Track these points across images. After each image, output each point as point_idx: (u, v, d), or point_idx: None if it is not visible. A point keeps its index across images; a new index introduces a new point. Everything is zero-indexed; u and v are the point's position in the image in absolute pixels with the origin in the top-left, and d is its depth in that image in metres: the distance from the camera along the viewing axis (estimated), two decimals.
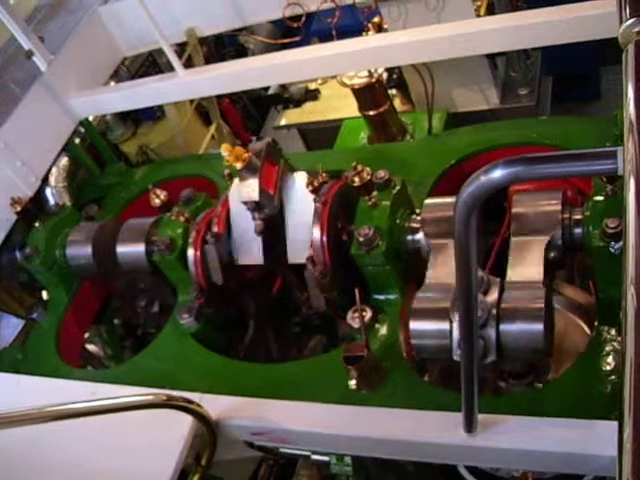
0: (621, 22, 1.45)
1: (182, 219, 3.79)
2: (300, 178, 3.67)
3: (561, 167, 1.53)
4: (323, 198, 3.45)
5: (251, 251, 3.76)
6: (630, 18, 1.42)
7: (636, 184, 1.24)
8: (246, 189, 3.52)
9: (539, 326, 2.72)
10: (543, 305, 2.75)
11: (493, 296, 2.80)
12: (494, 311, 2.75)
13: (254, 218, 3.58)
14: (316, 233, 3.42)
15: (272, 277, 3.99)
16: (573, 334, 3.25)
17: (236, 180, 3.67)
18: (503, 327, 2.75)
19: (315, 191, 3.48)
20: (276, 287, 4.03)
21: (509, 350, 2.78)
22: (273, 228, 3.65)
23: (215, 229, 3.69)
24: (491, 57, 5.06)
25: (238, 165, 3.43)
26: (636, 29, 1.41)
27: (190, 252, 3.72)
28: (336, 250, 3.44)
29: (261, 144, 3.61)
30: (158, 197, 4.08)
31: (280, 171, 3.65)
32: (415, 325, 2.99)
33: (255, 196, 3.49)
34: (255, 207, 3.55)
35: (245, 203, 3.56)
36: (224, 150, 3.43)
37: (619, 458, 1.06)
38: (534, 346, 2.76)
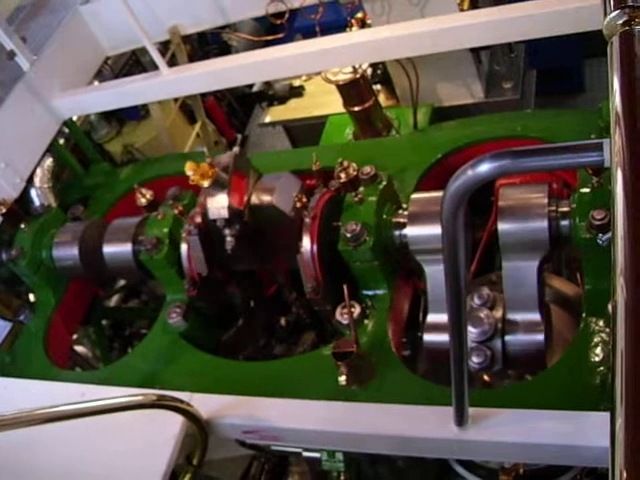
0: (605, 14, 1.46)
1: (176, 211, 3.76)
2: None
3: (548, 160, 1.54)
4: (312, 213, 3.42)
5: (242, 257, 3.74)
6: (614, 10, 1.43)
7: (623, 176, 1.24)
8: (215, 206, 3.45)
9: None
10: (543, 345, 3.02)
11: (498, 312, 3.08)
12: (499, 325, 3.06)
13: (225, 235, 3.51)
14: (306, 248, 3.38)
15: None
16: (561, 327, 3.27)
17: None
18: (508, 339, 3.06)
19: (304, 206, 3.45)
20: (271, 290, 4.03)
21: (513, 359, 3.07)
22: (251, 235, 3.60)
23: (198, 219, 3.65)
24: (475, 51, 5.07)
25: (205, 183, 3.33)
26: (620, 21, 1.42)
27: (183, 246, 3.71)
28: (327, 264, 3.43)
29: (227, 157, 3.53)
30: (144, 196, 4.05)
31: (250, 183, 3.58)
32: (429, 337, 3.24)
33: (225, 213, 3.44)
34: (225, 224, 3.49)
35: (214, 220, 3.49)
36: (188, 169, 3.32)
37: (611, 449, 1.06)
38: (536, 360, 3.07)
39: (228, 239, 3.48)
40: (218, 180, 3.38)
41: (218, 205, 3.44)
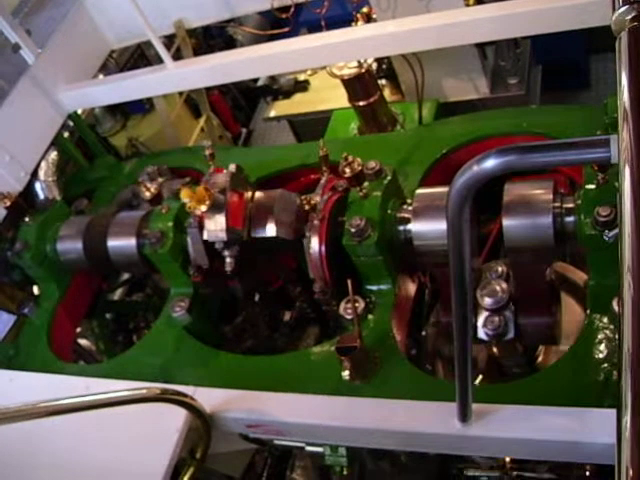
0: (614, 9, 1.45)
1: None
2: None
3: (554, 156, 1.53)
4: (320, 215, 3.40)
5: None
6: (623, 5, 1.42)
7: (631, 172, 1.24)
8: (213, 228, 3.42)
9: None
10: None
11: (511, 286, 3.15)
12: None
13: (224, 256, 3.48)
14: (314, 250, 3.37)
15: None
16: (568, 315, 3.31)
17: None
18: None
19: (312, 209, 3.44)
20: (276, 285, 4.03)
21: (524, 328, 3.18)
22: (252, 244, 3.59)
23: (198, 212, 3.61)
24: (480, 46, 5.06)
25: (203, 208, 3.29)
26: (629, 16, 1.40)
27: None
28: (335, 264, 3.42)
29: (224, 177, 3.48)
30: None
31: (249, 199, 3.55)
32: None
33: (223, 235, 3.41)
34: (224, 246, 3.46)
35: (213, 243, 3.46)
36: (184, 197, 3.27)
37: (618, 446, 1.06)
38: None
39: (228, 260, 3.46)
40: (215, 202, 3.34)
41: (216, 227, 3.41)
